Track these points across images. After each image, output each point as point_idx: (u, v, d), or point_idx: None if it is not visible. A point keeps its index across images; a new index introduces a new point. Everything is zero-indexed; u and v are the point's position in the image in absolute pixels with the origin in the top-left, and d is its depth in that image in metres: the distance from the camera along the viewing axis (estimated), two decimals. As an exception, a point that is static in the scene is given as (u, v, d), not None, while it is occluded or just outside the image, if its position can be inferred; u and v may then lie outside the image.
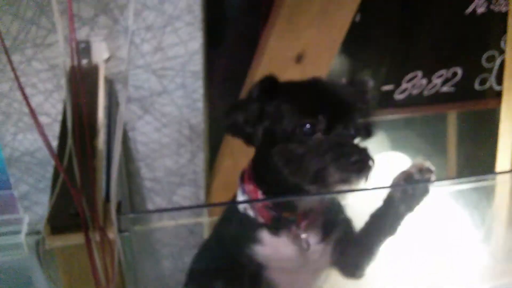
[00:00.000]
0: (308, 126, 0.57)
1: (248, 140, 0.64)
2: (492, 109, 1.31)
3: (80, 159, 0.47)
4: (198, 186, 1.00)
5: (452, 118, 1.40)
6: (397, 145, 1.46)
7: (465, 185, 1.16)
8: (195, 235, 1.06)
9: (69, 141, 0.46)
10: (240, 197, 0.68)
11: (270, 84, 0.62)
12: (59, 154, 0.52)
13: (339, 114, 0.59)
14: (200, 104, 0.86)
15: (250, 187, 0.66)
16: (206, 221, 1.08)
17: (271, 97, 0.61)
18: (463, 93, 1.25)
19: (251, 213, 0.65)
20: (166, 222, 1.03)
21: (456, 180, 0.97)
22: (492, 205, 1.47)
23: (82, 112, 0.57)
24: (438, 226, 1.03)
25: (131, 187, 0.95)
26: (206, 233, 1.08)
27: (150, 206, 0.99)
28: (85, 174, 0.49)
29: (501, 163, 1.35)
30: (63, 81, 0.77)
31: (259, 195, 0.65)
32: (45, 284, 0.50)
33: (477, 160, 1.46)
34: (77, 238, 0.45)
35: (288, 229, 0.64)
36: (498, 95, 1.27)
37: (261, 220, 0.65)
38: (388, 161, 1.40)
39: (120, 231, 0.47)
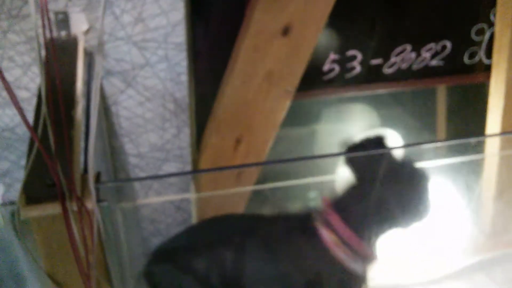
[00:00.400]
0: None
1: None
2: (482, 83, 1.31)
3: (55, 128, 0.46)
4: (184, 162, 0.99)
5: (441, 93, 1.39)
6: (386, 121, 1.45)
7: (454, 159, 1.17)
8: (183, 212, 1.06)
9: (43, 109, 0.44)
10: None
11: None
12: (35, 125, 0.50)
13: None
14: (184, 77, 0.84)
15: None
16: (193, 197, 1.08)
17: None
18: (452, 67, 1.24)
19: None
20: (153, 199, 1.03)
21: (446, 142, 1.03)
22: (481, 180, 1.49)
23: (58, 84, 0.56)
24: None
25: (115, 164, 0.93)
26: (193, 210, 1.08)
27: (136, 183, 0.98)
28: (61, 144, 0.47)
29: (490, 139, 1.36)
30: (42, 54, 0.74)
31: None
32: (23, 256, 0.49)
33: (467, 135, 1.47)
34: (53, 208, 0.44)
35: None
36: (488, 69, 1.27)
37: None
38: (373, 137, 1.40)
39: (98, 201, 0.46)
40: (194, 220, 1.09)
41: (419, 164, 0.89)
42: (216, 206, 1.19)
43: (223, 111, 1.04)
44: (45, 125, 0.45)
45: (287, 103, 1.08)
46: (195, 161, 1.13)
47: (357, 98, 1.37)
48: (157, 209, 1.03)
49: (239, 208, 1.23)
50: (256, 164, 0.77)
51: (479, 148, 1.36)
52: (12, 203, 0.45)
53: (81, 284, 0.51)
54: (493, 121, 1.31)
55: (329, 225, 0.78)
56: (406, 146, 0.98)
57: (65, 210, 0.43)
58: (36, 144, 0.44)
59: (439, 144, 1.29)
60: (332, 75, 1.16)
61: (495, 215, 1.49)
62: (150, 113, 0.88)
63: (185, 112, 0.90)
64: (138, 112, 0.87)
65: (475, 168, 1.46)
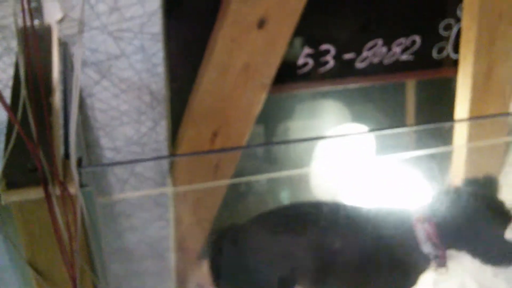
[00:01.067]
0: None
1: None
2: (450, 78, 1.35)
3: (35, 112, 0.44)
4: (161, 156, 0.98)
5: (410, 87, 1.43)
6: (356, 116, 1.48)
7: (423, 152, 1.21)
8: (160, 207, 1.05)
9: (22, 92, 0.43)
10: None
11: None
12: (13, 109, 0.48)
13: None
14: (161, 69, 0.84)
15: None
16: (170, 191, 1.07)
17: None
18: (422, 62, 1.28)
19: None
20: (130, 194, 1.01)
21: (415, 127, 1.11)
22: (449, 173, 1.55)
23: (35, 72, 0.54)
24: (397, 194, 1.07)
25: (90, 158, 0.91)
26: (171, 204, 1.07)
27: (111, 178, 0.96)
28: (41, 128, 0.46)
29: (458, 131, 1.41)
30: (13, 44, 0.72)
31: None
32: (2, 244, 0.47)
33: (435, 129, 1.51)
34: (35, 193, 0.43)
35: None
36: (455, 63, 1.32)
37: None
38: (347, 133, 1.43)
39: (81, 185, 0.45)
40: (172, 215, 1.08)
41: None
42: (193, 200, 1.18)
43: (200, 104, 1.04)
44: (24, 110, 0.44)
45: (263, 96, 1.09)
46: (172, 155, 1.12)
47: (329, 93, 1.40)
48: (134, 204, 1.02)
49: (216, 202, 1.22)
50: (235, 148, 0.80)
51: (447, 139, 1.41)
52: (-10, 188, 0.43)
53: (63, 273, 0.50)
54: (461, 114, 1.36)
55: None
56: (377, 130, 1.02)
57: (47, 194, 0.42)
58: (16, 128, 0.42)
59: (411, 128, 1.33)
60: (306, 69, 1.17)
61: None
62: (125, 105, 0.87)
63: (162, 104, 0.89)
64: (113, 104, 0.85)
65: (444, 162, 1.51)
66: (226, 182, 1.16)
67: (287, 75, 1.15)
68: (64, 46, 0.74)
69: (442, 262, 0.96)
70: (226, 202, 1.28)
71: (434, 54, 1.28)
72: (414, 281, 0.97)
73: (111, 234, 1.03)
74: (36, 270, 0.49)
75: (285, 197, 1.53)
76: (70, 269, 0.47)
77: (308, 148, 1.42)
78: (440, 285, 1.38)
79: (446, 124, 1.18)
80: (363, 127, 1.45)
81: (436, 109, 1.50)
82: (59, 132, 0.50)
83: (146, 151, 0.95)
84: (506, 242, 0.90)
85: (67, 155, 0.49)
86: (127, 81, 0.83)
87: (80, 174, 0.45)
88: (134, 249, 1.09)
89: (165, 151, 0.98)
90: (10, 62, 0.75)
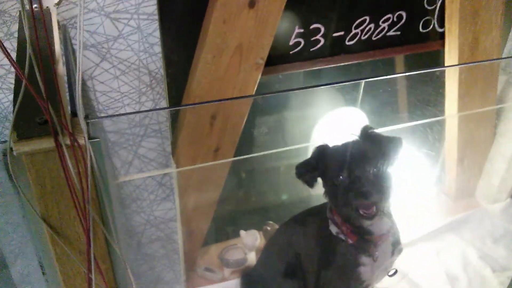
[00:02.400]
0: (340, 177, 0.87)
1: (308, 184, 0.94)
2: (437, 51, 1.39)
3: (42, 68, 0.48)
4: (163, 137, 1.01)
5: (399, 62, 1.47)
6: (349, 96, 1.52)
7: (416, 122, 1.23)
8: (165, 188, 1.08)
9: (28, 50, 0.46)
10: (333, 227, 0.96)
11: (320, 150, 0.93)
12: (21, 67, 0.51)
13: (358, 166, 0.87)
14: (158, 48, 0.87)
15: (338, 218, 0.95)
16: (174, 172, 1.10)
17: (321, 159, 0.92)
18: (409, 37, 1.31)
19: (342, 236, 0.94)
20: (134, 175, 1.04)
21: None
22: (444, 146, 1.58)
23: (38, 45, 0.57)
24: (396, 168, 1.09)
25: (94, 141, 0.94)
26: (175, 185, 1.10)
27: (116, 161, 0.99)
28: (49, 85, 0.49)
29: (449, 103, 1.44)
30: (14, 28, 0.75)
31: (345, 223, 0.93)
32: (15, 197, 0.50)
33: (427, 103, 1.55)
34: (46, 143, 0.46)
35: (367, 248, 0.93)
36: (441, 37, 1.35)
37: (350, 241, 0.93)
38: (344, 117, 1.46)
39: (89, 137, 0.48)
40: (176, 195, 1.11)
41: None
42: (196, 181, 1.21)
43: (197, 87, 1.07)
44: (31, 66, 0.47)
45: (258, 76, 1.12)
46: (175, 138, 1.16)
47: (321, 72, 1.43)
48: (139, 186, 1.05)
49: (219, 182, 1.26)
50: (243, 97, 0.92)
51: (439, 109, 1.45)
52: (3, 142, 0.46)
53: (76, 228, 0.53)
54: (451, 85, 1.40)
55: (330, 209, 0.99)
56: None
57: (58, 144, 0.45)
58: (24, 83, 0.46)
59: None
60: (298, 49, 1.20)
61: (458, 181, 1.58)
62: (126, 87, 0.90)
63: (161, 84, 0.93)
64: (114, 86, 0.89)
65: (438, 135, 1.54)
66: (227, 160, 1.19)
67: (280, 56, 1.18)
68: (64, 29, 0.78)
69: (348, 235, 0.94)
70: (228, 182, 1.31)
71: (420, 28, 1.31)
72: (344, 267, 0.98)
73: (118, 217, 1.06)
74: (49, 225, 0.51)
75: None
76: (83, 220, 0.49)
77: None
78: (442, 255, 1.41)
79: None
80: (358, 111, 1.48)
81: (426, 83, 1.53)
82: (65, 92, 0.53)
83: (149, 132, 0.98)
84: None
85: (74, 114, 0.52)
86: (126, 62, 0.86)
87: (88, 125, 0.48)
88: (141, 231, 1.12)
89: (167, 132, 1.01)
90: (12, 48, 0.77)
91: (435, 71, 1.42)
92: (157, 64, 0.89)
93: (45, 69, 0.49)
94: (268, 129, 1.54)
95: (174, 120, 1.13)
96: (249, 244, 1.37)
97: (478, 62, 1.27)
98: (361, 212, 0.84)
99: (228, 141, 1.19)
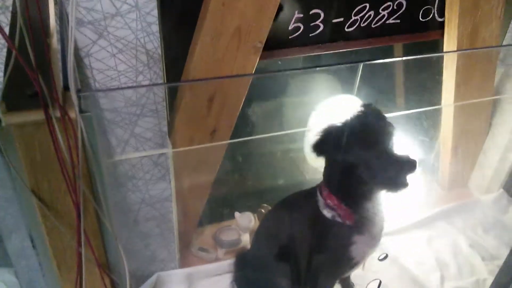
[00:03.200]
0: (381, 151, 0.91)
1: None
2: (436, 41, 1.38)
3: (32, 40, 0.48)
4: (160, 117, 1.02)
5: (398, 50, 1.46)
6: (347, 83, 1.52)
7: (413, 111, 1.23)
8: (160, 167, 1.09)
9: (19, 20, 0.46)
10: (325, 210, 0.98)
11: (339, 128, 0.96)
12: (11, 38, 0.51)
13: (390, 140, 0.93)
14: (156, 28, 0.87)
15: (333, 201, 0.97)
16: (170, 153, 1.11)
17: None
18: (408, 25, 1.30)
19: (338, 219, 0.97)
20: (131, 155, 1.05)
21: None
22: (438, 136, 1.58)
23: (33, 18, 0.58)
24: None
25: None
26: (170, 165, 1.11)
27: (112, 139, 1.00)
28: (41, 60, 0.50)
29: (445, 93, 1.44)
30: (8, 2, 0.75)
31: (342, 205, 0.96)
32: (6, 176, 0.51)
33: (424, 91, 1.55)
34: (35, 115, 0.46)
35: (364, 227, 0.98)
36: (441, 26, 1.34)
37: (348, 222, 0.96)
38: (340, 104, 1.47)
39: (81, 111, 0.49)
40: (172, 175, 1.13)
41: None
42: (192, 162, 1.23)
43: (195, 70, 1.07)
44: (21, 37, 0.47)
45: (256, 59, 1.12)
46: (172, 119, 1.16)
47: (319, 57, 1.43)
48: (135, 165, 1.06)
49: (215, 164, 1.27)
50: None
51: (436, 99, 1.45)
52: (-10, 114, 0.46)
53: (67, 202, 0.54)
54: (448, 76, 1.40)
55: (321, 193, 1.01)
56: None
57: (48, 116, 0.46)
58: (14, 54, 0.46)
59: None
60: (297, 34, 1.20)
61: (452, 170, 1.60)
62: (123, 65, 0.90)
63: (158, 64, 0.93)
64: (111, 64, 0.89)
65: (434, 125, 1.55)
66: (223, 142, 1.21)
67: (279, 40, 1.18)
68: (60, 5, 0.78)
69: (345, 216, 0.97)
70: (224, 167, 1.32)
71: (420, 17, 1.30)
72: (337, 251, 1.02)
73: (113, 195, 1.08)
74: (39, 199, 0.52)
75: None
76: (73, 194, 0.50)
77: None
78: (433, 243, 1.43)
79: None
80: (355, 98, 1.48)
81: (423, 72, 1.53)
82: (58, 66, 0.54)
83: (145, 112, 0.99)
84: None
85: (66, 88, 0.52)
86: (123, 40, 0.87)
87: (80, 99, 0.49)
88: (136, 210, 1.14)
89: (163, 113, 1.01)
90: (7, 21, 0.77)
91: (433, 56, 1.42)
92: (154, 43, 0.90)
93: (37, 42, 0.49)
94: (265, 114, 1.55)
95: (172, 101, 1.14)
96: (244, 226, 1.39)
97: (476, 48, 1.27)
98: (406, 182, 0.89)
99: (225, 124, 1.20)
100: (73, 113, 0.48)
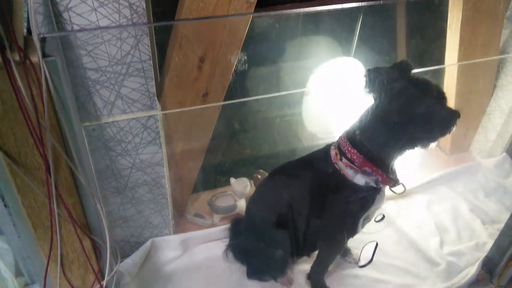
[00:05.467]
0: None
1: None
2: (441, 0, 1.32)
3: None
4: (147, 77, 0.97)
5: (401, 7, 1.40)
6: (348, 43, 1.46)
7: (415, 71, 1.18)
8: (150, 130, 1.05)
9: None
10: (358, 177, 0.93)
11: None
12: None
13: None
14: (138, -22, 0.82)
15: (371, 167, 0.93)
16: (160, 115, 1.07)
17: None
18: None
19: (373, 184, 0.94)
20: (118, 117, 1.01)
21: None
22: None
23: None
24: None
25: (74, 80, 0.90)
26: (160, 128, 1.07)
27: (97, 100, 0.96)
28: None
29: (449, 52, 1.38)
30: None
31: (379, 170, 0.93)
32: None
33: (427, 51, 1.49)
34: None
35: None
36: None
37: (382, 185, 0.95)
38: (342, 66, 1.41)
39: (44, 55, 0.45)
40: (162, 139, 1.09)
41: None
42: (184, 126, 1.19)
43: (184, 27, 1.02)
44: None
45: (249, 17, 1.06)
46: (160, 81, 1.12)
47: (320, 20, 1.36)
48: (123, 128, 1.02)
49: (208, 129, 1.23)
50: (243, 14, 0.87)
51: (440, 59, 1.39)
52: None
53: (36, 156, 0.50)
54: (452, 35, 1.33)
55: (337, 145, 0.97)
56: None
57: (6, 60, 0.42)
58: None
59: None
60: (293, -11, 1.14)
61: (454, 134, 1.55)
62: (105, 20, 0.85)
63: (142, 19, 0.88)
64: (92, 19, 0.84)
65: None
66: (214, 104, 1.16)
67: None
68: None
69: (383, 181, 0.94)
70: (219, 132, 1.29)
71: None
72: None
73: (102, 159, 1.04)
74: (6, 153, 0.49)
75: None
76: (39, 146, 0.47)
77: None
78: (433, 207, 1.40)
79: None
80: (356, 61, 1.43)
81: (426, 31, 1.47)
82: (22, 10, 0.49)
83: (131, 71, 0.95)
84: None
85: (30, 32, 0.48)
86: (103, -7, 0.81)
87: (44, 42, 0.44)
88: (127, 175, 1.10)
89: (150, 72, 0.97)
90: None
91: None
92: (137, -4, 0.84)
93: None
94: (263, 79, 1.50)
95: (161, 64, 1.09)
96: (239, 191, 1.36)
97: None
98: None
99: (218, 86, 1.15)
100: (36, 58, 0.43)
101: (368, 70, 0.91)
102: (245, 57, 1.23)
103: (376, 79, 0.88)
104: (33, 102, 0.44)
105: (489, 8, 1.28)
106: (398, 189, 0.99)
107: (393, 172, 0.96)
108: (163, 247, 1.25)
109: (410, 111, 0.84)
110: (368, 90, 0.90)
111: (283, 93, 1.28)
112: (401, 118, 0.85)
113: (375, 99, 0.90)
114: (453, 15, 1.31)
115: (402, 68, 0.91)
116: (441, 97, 0.88)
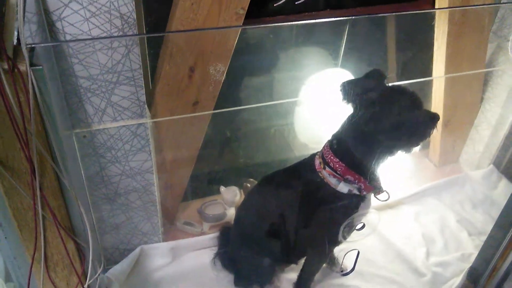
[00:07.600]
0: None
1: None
2: (428, 14, 1.35)
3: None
4: (137, 86, 0.99)
5: (390, 21, 1.43)
6: (338, 54, 1.49)
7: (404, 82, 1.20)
8: (140, 138, 1.07)
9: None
10: (341, 185, 0.95)
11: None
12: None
13: None
14: (129, -10, 0.84)
15: (353, 175, 0.94)
16: (150, 123, 1.09)
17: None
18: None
19: (356, 192, 0.95)
20: (108, 124, 1.03)
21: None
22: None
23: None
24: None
25: (66, 87, 0.92)
26: (150, 136, 1.09)
27: (89, 108, 0.98)
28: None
29: (436, 65, 1.41)
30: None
31: (362, 178, 0.94)
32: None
33: (416, 62, 1.52)
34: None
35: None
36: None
37: (366, 192, 0.97)
38: (332, 77, 1.44)
39: (32, 65, 0.47)
40: (152, 147, 1.11)
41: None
42: (174, 134, 1.21)
43: (174, 36, 1.04)
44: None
45: (238, 29, 1.09)
46: (152, 89, 1.14)
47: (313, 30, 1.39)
48: (113, 136, 1.04)
49: (198, 137, 1.25)
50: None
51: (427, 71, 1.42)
52: None
53: (23, 159, 0.52)
54: (439, 46, 1.36)
55: (321, 154, 0.99)
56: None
57: (-5, 68, 0.44)
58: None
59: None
60: (282, 1, 1.16)
61: (443, 146, 1.58)
62: (97, 30, 0.87)
63: (133, 29, 0.90)
64: (84, 29, 0.86)
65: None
66: (204, 113, 1.18)
67: (263, 8, 1.15)
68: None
69: (366, 189, 0.96)
70: (209, 141, 1.30)
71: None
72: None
73: (92, 166, 1.06)
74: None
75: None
76: (25, 149, 0.48)
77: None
78: (421, 218, 1.42)
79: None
80: (347, 72, 1.46)
81: (415, 42, 1.50)
82: (13, 21, 0.51)
83: (122, 79, 0.96)
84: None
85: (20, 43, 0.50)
86: (96, 3, 0.83)
87: (32, 51, 0.46)
88: (117, 182, 1.12)
89: (140, 81, 0.99)
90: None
91: (423, 12, 1.37)
92: (129, 7, 0.86)
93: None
94: (254, 89, 1.52)
95: (152, 70, 1.11)
96: (229, 200, 1.38)
97: (468, 6, 1.23)
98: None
99: (208, 96, 1.17)
100: (24, 67, 0.45)
101: (343, 83, 0.93)
102: (236, 67, 1.26)
103: (351, 91, 0.90)
104: (20, 108, 0.46)
105: (474, 22, 1.31)
106: (382, 196, 1.00)
107: (377, 180, 0.98)
108: (152, 254, 1.26)
109: (386, 119, 0.86)
110: (345, 101, 0.92)
111: (273, 102, 1.31)
112: (377, 126, 0.87)
113: (354, 109, 0.92)
114: (439, 29, 1.34)
115: (375, 77, 0.93)
116: (417, 102, 0.89)
